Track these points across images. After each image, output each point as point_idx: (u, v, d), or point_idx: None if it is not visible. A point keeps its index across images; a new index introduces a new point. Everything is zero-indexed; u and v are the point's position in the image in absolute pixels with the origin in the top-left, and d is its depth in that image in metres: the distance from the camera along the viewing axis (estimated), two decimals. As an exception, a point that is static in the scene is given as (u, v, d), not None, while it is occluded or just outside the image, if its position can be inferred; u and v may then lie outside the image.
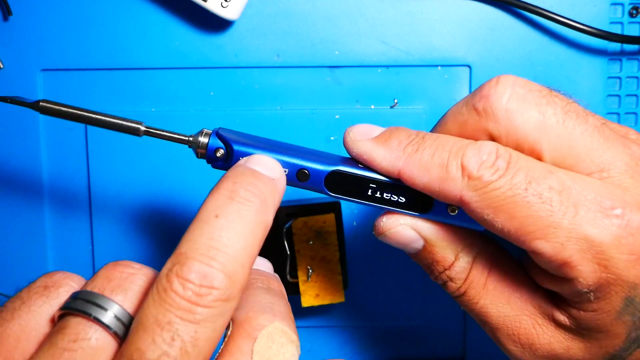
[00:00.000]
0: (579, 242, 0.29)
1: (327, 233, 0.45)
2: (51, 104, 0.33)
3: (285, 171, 0.32)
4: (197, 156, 0.33)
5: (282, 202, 0.48)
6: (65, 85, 0.48)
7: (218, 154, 0.33)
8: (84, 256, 0.49)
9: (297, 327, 0.51)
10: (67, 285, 0.28)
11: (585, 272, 0.29)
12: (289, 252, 0.45)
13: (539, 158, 0.31)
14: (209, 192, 0.28)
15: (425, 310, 0.50)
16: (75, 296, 0.27)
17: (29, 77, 0.47)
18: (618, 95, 0.49)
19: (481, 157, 0.30)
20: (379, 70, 0.48)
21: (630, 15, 0.48)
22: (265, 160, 0.31)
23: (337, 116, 0.48)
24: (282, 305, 0.30)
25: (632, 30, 0.48)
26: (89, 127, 0.48)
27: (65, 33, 0.47)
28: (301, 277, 0.45)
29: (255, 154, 0.32)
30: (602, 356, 0.33)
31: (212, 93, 0.48)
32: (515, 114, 0.31)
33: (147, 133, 0.33)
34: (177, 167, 0.48)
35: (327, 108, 0.48)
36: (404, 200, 0.33)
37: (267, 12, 0.47)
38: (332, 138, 0.48)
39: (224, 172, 0.32)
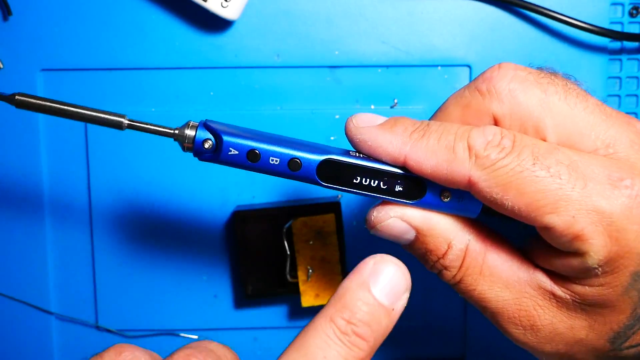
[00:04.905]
0: (590, 214, 0.29)
1: (327, 233, 0.45)
2: (28, 97, 0.31)
3: (276, 161, 0.32)
4: (183, 149, 0.32)
5: (282, 202, 0.48)
6: (65, 85, 0.48)
7: (206, 145, 0.32)
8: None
9: (297, 327, 0.51)
10: None
11: (597, 246, 0.30)
12: (289, 252, 0.45)
13: (543, 138, 0.32)
14: (320, 313, 0.28)
15: (425, 310, 0.50)
16: None
17: (29, 77, 0.47)
18: (618, 95, 0.49)
19: (486, 137, 0.30)
20: (379, 70, 0.48)
21: (630, 15, 0.48)
22: (394, 276, 0.29)
23: (337, 116, 0.48)
24: None
25: (632, 30, 0.48)
26: (89, 127, 0.48)
27: (65, 33, 0.47)
28: (301, 277, 0.45)
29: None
30: (606, 333, 0.32)
31: (212, 93, 0.48)
32: (518, 92, 0.32)
33: (130, 127, 0.32)
34: (177, 169, 0.48)
35: (327, 108, 0.48)
36: (398, 188, 0.33)
37: (267, 12, 0.47)
38: (332, 138, 0.48)
39: (212, 164, 0.32)
